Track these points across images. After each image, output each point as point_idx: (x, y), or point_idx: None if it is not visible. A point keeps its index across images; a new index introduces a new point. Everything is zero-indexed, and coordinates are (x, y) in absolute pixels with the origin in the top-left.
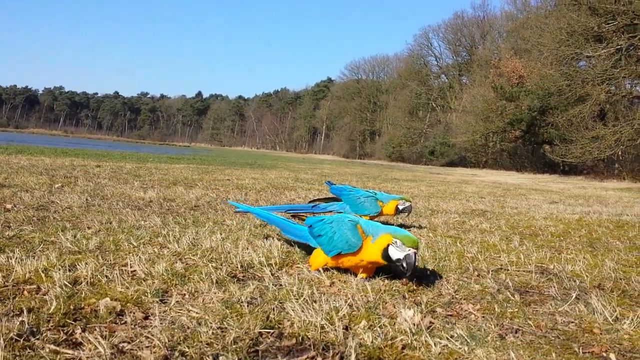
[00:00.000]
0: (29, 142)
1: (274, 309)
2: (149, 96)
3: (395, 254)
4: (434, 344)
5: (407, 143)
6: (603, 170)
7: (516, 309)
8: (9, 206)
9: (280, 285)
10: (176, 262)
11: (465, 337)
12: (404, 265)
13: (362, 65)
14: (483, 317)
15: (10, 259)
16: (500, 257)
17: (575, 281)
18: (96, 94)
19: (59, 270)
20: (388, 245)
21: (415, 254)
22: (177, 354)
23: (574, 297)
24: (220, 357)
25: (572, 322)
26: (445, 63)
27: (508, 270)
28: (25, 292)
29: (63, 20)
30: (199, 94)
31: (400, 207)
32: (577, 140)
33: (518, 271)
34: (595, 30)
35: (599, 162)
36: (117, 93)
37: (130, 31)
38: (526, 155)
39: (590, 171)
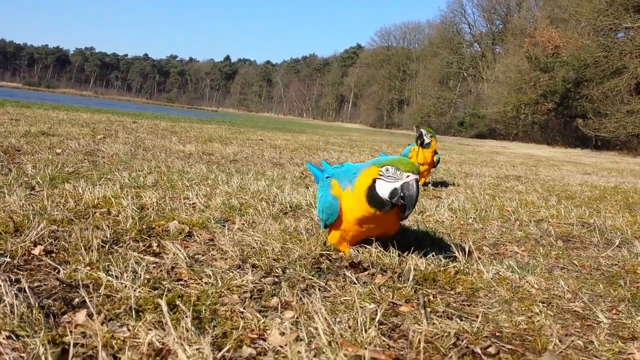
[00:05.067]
0: (61, 101)
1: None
2: (177, 59)
3: (386, 188)
4: (486, 271)
5: (436, 113)
6: (636, 146)
7: (560, 252)
8: (58, 151)
9: None
10: (231, 199)
11: (515, 267)
12: (402, 197)
13: (392, 31)
14: (529, 256)
15: (77, 187)
16: (539, 211)
17: (616, 233)
18: (126, 55)
19: (127, 197)
20: (374, 182)
21: (416, 180)
22: (248, 265)
23: (616, 244)
24: (288, 270)
25: (616, 265)
26: (478, 31)
27: (549, 221)
28: (98, 214)
29: None
30: (227, 58)
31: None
32: (612, 114)
33: (559, 223)
34: (635, 0)
35: (632, 138)
36: (147, 55)
37: None
38: (558, 129)
39: (623, 147)
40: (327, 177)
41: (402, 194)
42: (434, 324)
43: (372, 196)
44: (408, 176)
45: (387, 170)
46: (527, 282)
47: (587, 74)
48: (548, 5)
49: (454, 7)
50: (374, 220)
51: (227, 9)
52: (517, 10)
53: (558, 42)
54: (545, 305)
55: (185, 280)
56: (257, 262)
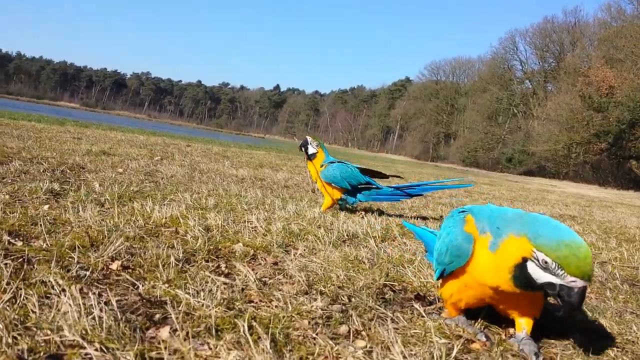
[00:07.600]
0: (116, 122)
1: (390, 269)
2: (229, 87)
3: (542, 277)
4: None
5: (484, 148)
6: None
7: (628, 296)
8: (120, 170)
9: (388, 254)
10: (290, 224)
11: (585, 310)
12: (564, 300)
13: (442, 66)
14: (597, 299)
15: (145, 206)
16: (601, 253)
17: None
18: (180, 81)
19: (193, 218)
20: (524, 261)
21: (583, 290)
22: (314, 291)
23: None
24: (354, 298)
25: None
26: (530, 68)
27: (613, 264)
28: (166, 233)
29: (151, 9)
30: (277, 87)
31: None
32: None
33: (622, 266)
34: None
35: None
36: (200, 82)
37: (215, 23)
38: (610, 170)
39: None
40: (461, 212)
41: (564, 296)
42: None
43: (521, 277)
44: (574, 282)
45: (544, 262)
46: (600, 325)
47: None
48: (603, 45)
49: (505, 43)
50: (513, 296)
51: (279, 40)
52: (571, 49)
53: (613, 82)
54: (619, 350)
55: (256, 302)
56: (323, 289)
